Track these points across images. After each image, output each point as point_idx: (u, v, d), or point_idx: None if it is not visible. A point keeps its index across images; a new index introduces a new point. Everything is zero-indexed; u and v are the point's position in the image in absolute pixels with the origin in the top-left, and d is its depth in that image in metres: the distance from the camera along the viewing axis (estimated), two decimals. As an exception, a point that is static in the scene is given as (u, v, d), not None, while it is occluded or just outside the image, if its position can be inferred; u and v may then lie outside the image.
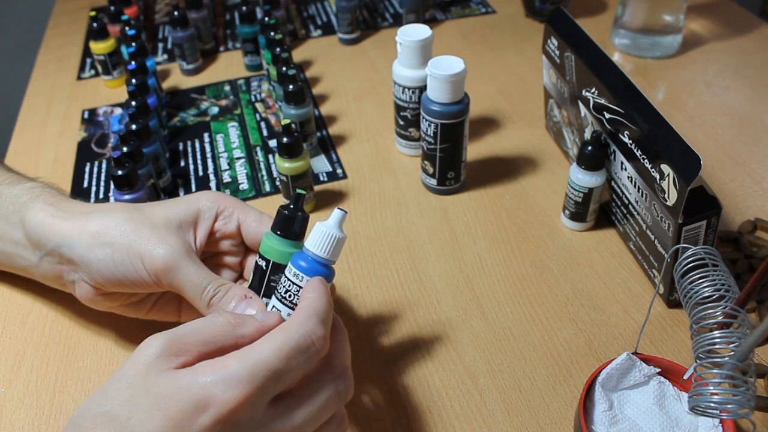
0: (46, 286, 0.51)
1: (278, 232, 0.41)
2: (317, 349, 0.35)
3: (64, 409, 0.47)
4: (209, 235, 0.45)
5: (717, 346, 0.36)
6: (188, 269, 0.41)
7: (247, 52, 0.84)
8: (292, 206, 0.41)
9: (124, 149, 0.58)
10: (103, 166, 0.71)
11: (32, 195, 0.47)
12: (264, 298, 0.41)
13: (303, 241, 0.41)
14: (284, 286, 0.39)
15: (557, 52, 0.61)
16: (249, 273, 0.46)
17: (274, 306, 0.40)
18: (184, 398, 0.31)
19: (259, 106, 0.79)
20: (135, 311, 0.47)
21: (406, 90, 0.64)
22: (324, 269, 0.39)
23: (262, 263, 0.41)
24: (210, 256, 0.47)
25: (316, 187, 0.65)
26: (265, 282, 0.41)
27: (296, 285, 0.39)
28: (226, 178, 0.68)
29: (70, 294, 0.48)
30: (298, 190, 0.42)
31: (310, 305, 0.36)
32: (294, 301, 0.39)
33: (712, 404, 0.35)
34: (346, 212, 0.40)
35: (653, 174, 0.48)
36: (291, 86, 0.65)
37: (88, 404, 0.33)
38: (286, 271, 0.40)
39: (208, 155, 0.71)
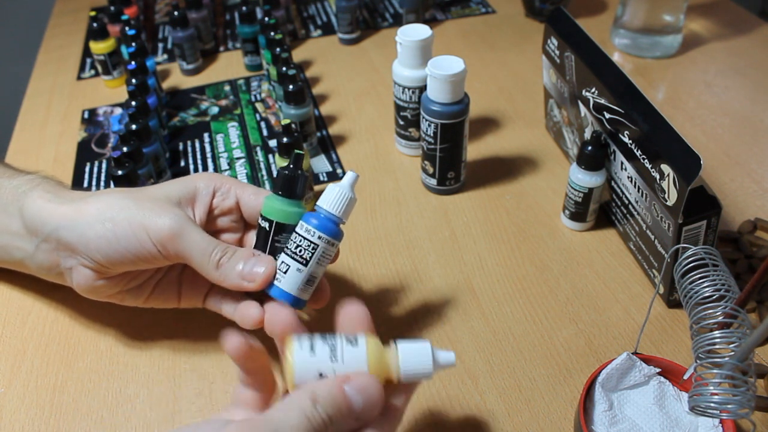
0: (46, 286, 0.51)
1: (280, 193, 0.42)
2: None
3: (64, 409, 0.47)
4: (208, 212, 0.45)
5: (717, 346, 0.36)
6: (194, 235, 0.41)
7: (247, 52, 0.84)
8: (292, 166, 0.42)
9: (124, 149, 0.58)
10: (103, 166, 0.71)
11: (32, 185, 0.47)
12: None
13: (304, 201, 0.42)
14: (294, 242, 0.41)
15: (557, 52, 0.61)
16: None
17: (283, 261, 0.41)
18: None
19: (259, 106, 0.79)
20: (134, 297, 0.46)
21: (406, 90, 0.64)
22: (334, 227, 0.41)
23: (265, 225, 0.42)
24: (210, 234, 0.46)
25: (316, 187, 0.65)
26: (270, 242, 0.42)
27: (307, 240, 0.41)
28: (226, 178, 0.68)
29: (71, 294, 0.48)
30: (297, 151, 0.42)
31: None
32: (304, 256, 0.40)
33: (712, 404, 0.35)
34: (358, 175, 0.42)
35: (653, 174, 0.48)
36: (291, 86, 0.65)
37: None
38: (298, 228, 0.41)
39: (208, 155, 0.71)
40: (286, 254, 0.42)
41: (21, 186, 0.48)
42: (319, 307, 0.46)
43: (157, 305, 0.47)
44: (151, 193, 0.44)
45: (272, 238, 0.42)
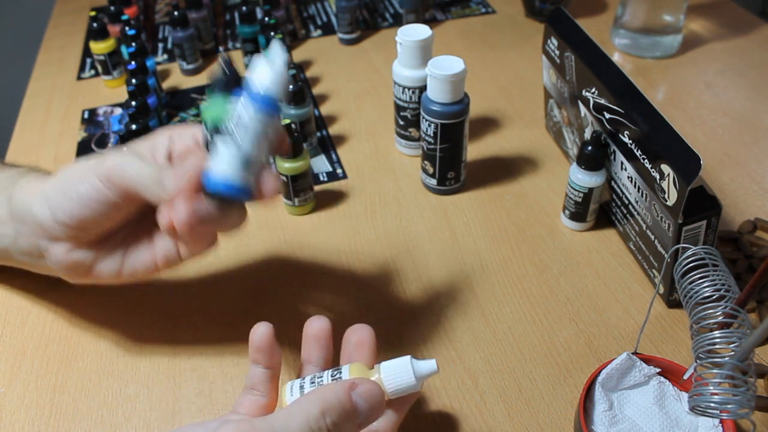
0: (46, 286, 0.51)
1: (209, 89, 0.40)
2: None
3: (64, 409, 0.47)
4: (168, 158, 0.44)
5: (717, 346, 0.36)
6: (135, 162, 0.41)
7: (247, 52, 0.84)
8: (222, 63, 0.40)
9: (124, 149, 0.58)
10: (103, 166, 0.71)
11: (21, 173, 0.48)
12: None
13: (227, 97, 0.40)
14: (226, 128, 0.38)
15: (557, 52, 0.61)
16: None
17: (214, 151, 0.39)
18: None
19: (259, 106, 0.79)
20: (111, 266, 0.45)
21: (406, 90, 0.64)
22: (263, 100, 0.38)
23: (204, 130, 0.40)
24: None
25: (316, 187, 0.65)
26: (209, 146, 0.40)
27: (233, 122, 0.38)
28: (226, 178, 0.68)
29: (70, 294, 0.48)
30: (222, 52, 0.40)
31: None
32: (234, 138, 0.38)
33: (712, 404, 0.35)
34: (287, 55, 0.40)
35: (653, 174, 0.48)
36: (291, 86, 0.65)
37: None
38: (226, 117, 0.38)
39: (208, 155, 0.71)
40: (218, 144, 0.39)
41: (11, 177, 0.48)
42: (266, 199, 0.42)
43: (135, 274, 0.45)
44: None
45: (212, 140, 0.40)
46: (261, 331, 0.38)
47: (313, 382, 0.37)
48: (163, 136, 0.44)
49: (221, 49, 0.40)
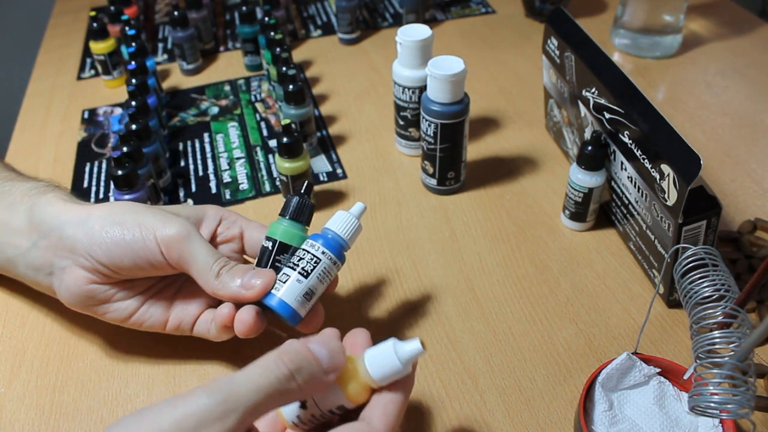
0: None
1: (287, 216, 0.44)
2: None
3: (64, 409, 0.47)
4: (212, 238, 0.47)
5: (717, 346, 0.36)
6: (199, 242, 0.43)
7: (247, 52, 0.84)
8: (303, 192, 0.45)
9: (124, 149, 0.58)
10: (103, 166, 0.71)
11: (48, 188, 0.49)
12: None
13: (307, 226, 0.45)
14: (298, 256, 0.42)
15: (557, 52, 0.61)
16: None
17: (284, 273, 0.42)
18: None
19: (259, 106, 0.79)
20: (120, 312, 0.45)
21: (406, 90, 0.64)
22: (339, 248, 0.43)
23: (268, 244, 0.44)
24: None
25: (316, 187, 0.65)
26: (271, 261, 0.44)
27: (311, 254, 0.42)
28: (226, 178, 0.68)
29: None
30: (308, 180, 0.45)
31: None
32: (306, 268, 0.42)
33: (712, 404, 0.35)
34: (366, 207, 0.45)
35: (653, 174, 0.48)
36: (291, 86, 0.65)
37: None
38: (303, 245, 0.43)
39: (208, 155, 0.71)
40: (288, 267, 0.43)
41: (36, 188, 0.48)
42: (309, 332, 0.44)
43: (141, 324, 0.46)
44: (160, 207, 0.46)
45: (273, 257, 0.44)
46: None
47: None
48: (214, 212, 0.47)
49: (307, 182, 0.45)
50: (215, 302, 0.46)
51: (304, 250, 0.43)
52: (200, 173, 0.69)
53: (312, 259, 0.42)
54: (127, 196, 0.55)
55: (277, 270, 0.43)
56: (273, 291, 0.42)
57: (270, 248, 0.44)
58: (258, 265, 0.44)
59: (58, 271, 0.45)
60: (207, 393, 0.29)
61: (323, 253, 0.43)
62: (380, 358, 0.35)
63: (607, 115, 0.53)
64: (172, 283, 0.48)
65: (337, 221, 0.44)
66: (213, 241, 0.47)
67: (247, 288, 0.42)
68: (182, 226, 0.42)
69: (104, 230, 0.43)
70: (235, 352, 0.50)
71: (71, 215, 0.44)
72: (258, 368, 0.31)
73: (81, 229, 0.43)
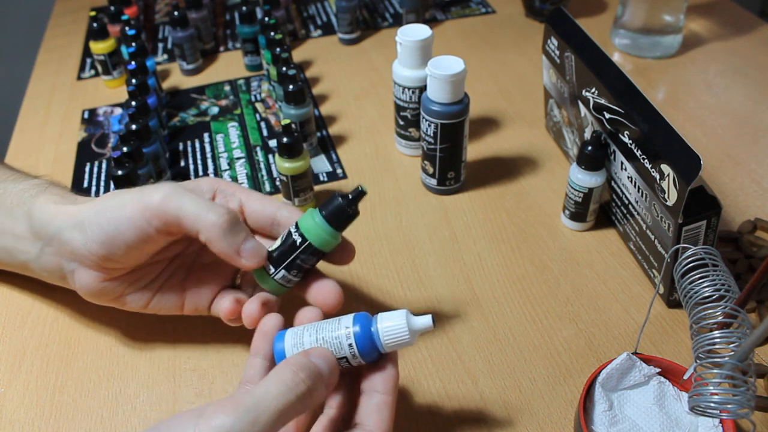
0: (46, 286, 0.51)
1: (326, 217, 0.41)
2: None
3: (64, 409, 0.47)
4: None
5: (717, 346, 0.36)
6: (186, 195, 0.41)
7: (247, 52, 0.84)
8: (351, 197, 0.42)
9: (124, 149, 0.58)
10: (103, 166, 0.71)
11: (39, 189, 0.48)
12: (282, 270, 0.42)
13: (341, 233, 0.42)
14: (324, 327, 0.38)
15: (557, 52, 0.61)
16: None
17: (305, 337, 0.38)
18: None
19: (259, 106, 0.79)
20: (137, 301, 0.46)
21: (406, 90, 0.64)
22: (371, 350, 0.37)
23: (298, 239, 0.41)
24: None
25: (316, 187, 0.65)
26: (293, 256, 0.42)
27: (335, 334, 0.38)
28: (226, 178, 0.68)
29: (70, 294, 0.47)
30: (362, 187, 0.41)
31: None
32: (322, 340, 0.38)
33: (712, 404, 0.35)
34: (435, 325, 0.37)
35: (653, 174, 0.48)
36: (291, 86, 0.65)
37: None
38: (338, 323, 0.38)
39: (208, 155, 0.71)
40: (309, 332, 0.38)
41: (28, 190, 0.48)
42: (342, 264, 0.45)
43: (160, 311, 0.47)
44: (145, 185, 0.45)
45: (298, 254, 0.42)
46: (272, 321, 0.41)
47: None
48: (209, 184, 0.45)
49: (360, 190, 0.41)
50: (228, 282, 0.47)
51: (332, 327, 0.38)
52: (200, 173, 0.69)
53: (335, 340, 0.37)
54: (127, 196, 0.55)
55: (294, 266, 0.42)
56: (284, 346, 0.39)
57: (297, 243, 0.41)
58: (278, 248, 0.42)
59: (69, 274, 0.45)
60: (227, 413, 0.31)
61: (350, 346, 0.37)
62: (391, 326, 0.36)
63: (607, 115, 0.53)
64: (178, 269, 0.47)
65: (389, 325, 0.37)
66: None
67: (247, 257, 0.42)
68: (165, 190, 0.41)
69: (94, 224, 0.42)
70: (237, 353, 0.50)
71: (65, 218, 0.44)
72: (275, 385, 0.33)
73: (76, 231, 0.43)
